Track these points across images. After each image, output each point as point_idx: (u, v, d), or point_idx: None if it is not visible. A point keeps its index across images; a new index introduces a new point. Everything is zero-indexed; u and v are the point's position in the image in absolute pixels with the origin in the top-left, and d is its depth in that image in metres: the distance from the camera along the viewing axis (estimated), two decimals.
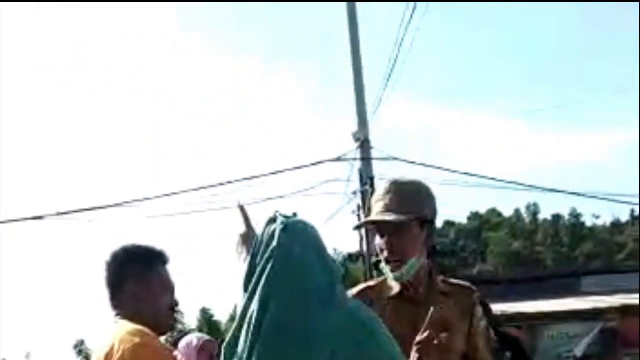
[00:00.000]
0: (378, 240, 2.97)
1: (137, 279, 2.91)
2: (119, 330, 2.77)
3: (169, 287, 2.98)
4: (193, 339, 4.30)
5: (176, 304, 3.00)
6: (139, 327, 2.77)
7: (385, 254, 2.93)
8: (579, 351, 12.52)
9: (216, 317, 61.06)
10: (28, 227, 12.45)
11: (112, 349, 2.70)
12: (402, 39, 11.22)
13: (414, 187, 3.03)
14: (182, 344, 4.26)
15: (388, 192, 2.98)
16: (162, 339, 3.12)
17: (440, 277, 3.05)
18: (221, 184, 12.12)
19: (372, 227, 3.10)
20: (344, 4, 12.59)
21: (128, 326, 2.78)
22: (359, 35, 12.46)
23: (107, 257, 2.98)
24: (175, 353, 3.87)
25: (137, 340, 2.69)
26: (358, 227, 3.38)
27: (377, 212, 2.97)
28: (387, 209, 2.94)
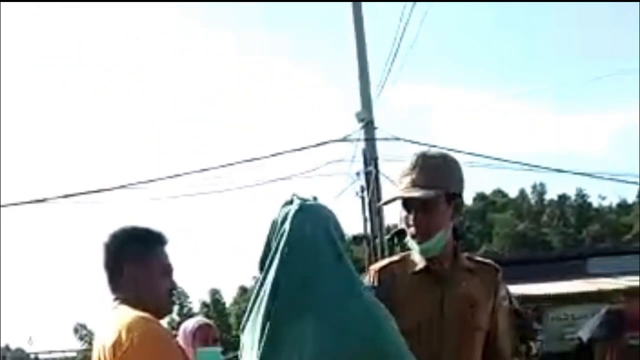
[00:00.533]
0: (403, 214, 2.92)
1: (136, 261, 2.85)
2: (123, 317, 2.71)
3: (168, 270, 2.92)
4: (189, 323, 4.24)
5: (175, 286, 2.94)
6: (143, 313, 2.72)
7: (412, 229, 2.88)
8: (584, 334, 12.46)
9: (223, 299, 61.14)
10: (31, 210, 12.39)
11: (119, 336, 2.64)
12: (408, 20, 11.10)
13: (441, 161, 2.96)
14: (180, 328, 4.21)
15: (415, 166, 2.92)
16: (165, 322, 3.11)
17: (465, 254, 3.01)
18: (223, 166, 12.06)
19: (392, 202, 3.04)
20: None
21: (132, 313, 2.73)
22: (362, 16, 12.37)
23: (104, 238, 2.92)
24: (177, 338, 3.82)
25: (144, 327, 2.65)
26: (386, 203, 3.35)
27: (404, 187, 2.91)
28: (414, 184, 2.89)
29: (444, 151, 3.13)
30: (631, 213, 54.45)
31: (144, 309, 2.75)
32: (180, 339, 4.06)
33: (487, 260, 3.06)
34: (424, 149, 3.13)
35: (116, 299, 2.84)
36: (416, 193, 2.85)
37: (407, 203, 2.90)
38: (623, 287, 13.44)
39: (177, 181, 12.17)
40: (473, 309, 2.87)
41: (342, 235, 2.50)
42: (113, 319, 2.74)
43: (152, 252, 2.90)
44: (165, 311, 2.93)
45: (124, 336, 2.62)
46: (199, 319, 4.37)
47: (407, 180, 2.91)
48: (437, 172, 2.90)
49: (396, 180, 3.01)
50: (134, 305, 2.77)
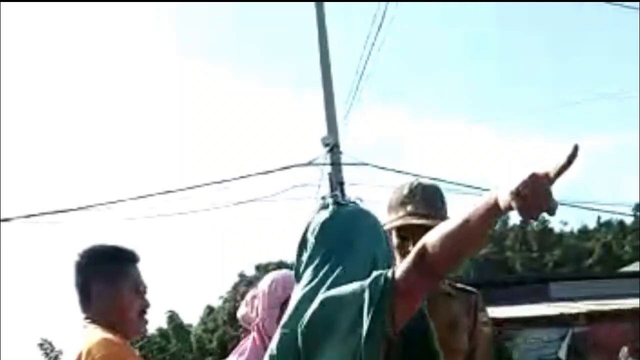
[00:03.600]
0: (396, 241, 2.96)
1: (105, 281, 2.78)
2: (88, 338, 2.66)
3: (138, 289, 2.84)
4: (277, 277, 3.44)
5: (146, 306, 2.86)
6: (108, 335, 2.65)
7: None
8: (561, 355, 12.60)
9: (186, 321, 60.86)
10: None
11: (79, 358, 2.60)
12: (372, 44, 11.22)
13: (437, 192, 3.05)
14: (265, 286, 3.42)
15: (414, 195, 2.99)
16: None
17: (446, 280, 3.01)
18: (190, 188, 12.05)
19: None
20: (313, 8, 12.57)
21: (96, 334, 2.66)
22: (327, 39, 12.45)
23: (74, 257, 2.85)
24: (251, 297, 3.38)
25: (103, 352, 2.58)
26: (392, 228, 3.33)
27: (405, 214, 2.97)
28: (415, 212, 2.96)
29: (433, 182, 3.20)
30: (592, 239, 55.10)
31: (112, 330, 2.70)
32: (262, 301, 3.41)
33: (468, 287, 3.10)
34: (413, 178, 3.19)
35: (86, 318, 2.79)
36: (423, 221, 2.91)
37: (403, 231, 2.96)
38: (584, 310, 13.61)
39: (139, 203, 12.13)
40: (451, 330, 2.89)
41: (376, 241, 2.38)
42: (79, 339, 2.71)
43: (122, 271, 2.83)
44: (136, 332, 2.87)
45: (83, 358, 2.59)
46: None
47: (409, 208, 2.97)
48: (435, 202, 2.99)
49: (391, 206, 3.05)
50: (103, 325, 2.72)
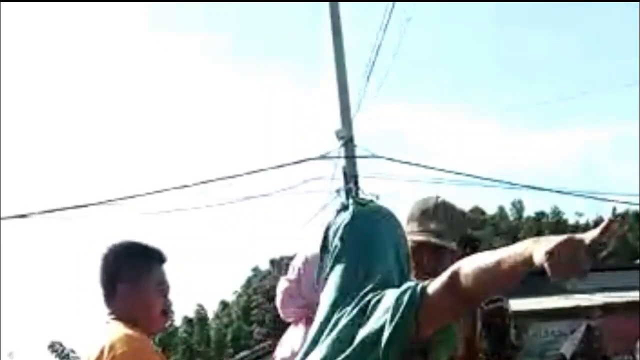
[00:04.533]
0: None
1: (130, 278, 2.82)
2: (110, 333, 2.71)
3: (162, 289, 2.88)
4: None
5: (169, 306, 2.91)
6: (130, 331, 2.71)
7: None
8: (566, 350, 12.55)
9: (207, 315, 60.91)
10: (12, 226, 12.29)
11: (102, 353, 2.65)
12: (384, 32, 11.19)
13: (462, 215, 3.14)
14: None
15: (438, 213, 3.05)
16: None
17: None
18: (203, 182, 12.04)
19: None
20: (327, 3, 12.53)
21: (120, 330, 2.72)
22: (342, 32, 12.41)
23: (101, 253, 2.89)
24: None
25: (125, 347, 2.64)
26: (421, 245, 3.36)
27: (429, 231, 3.02)
28: (439, 234, 3.01)
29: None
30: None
31: (135, 326, 2.74)
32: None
33: None
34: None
35: (110, 313, 2.83)
36: (443, 243, 2.99)
37: (419, 246, 2.99)
38: (600, 303, 13.55)
39: (155, 197, 12.13)
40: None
41: (397, 242, 2.41)
42: (102, 334, 2.74)
43: (147, 271, 2.86)
44: (157, 329, 2.92)
45: (105, 353, 2.63)
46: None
47: (432, 226, 3.02)
48: (457, 225, 3.05)
49: (413, 218, 3.08)
50: (126, 321, 2.75)
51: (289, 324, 3.42)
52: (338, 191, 12.36)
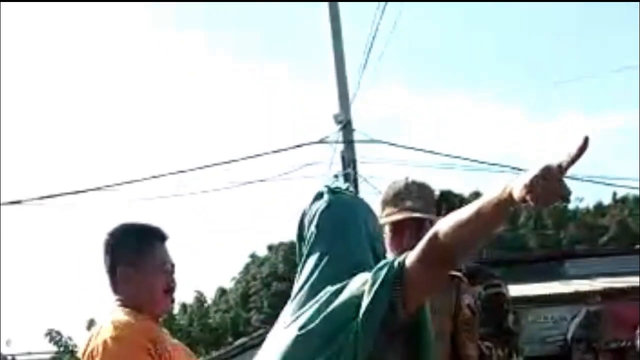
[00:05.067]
0: (389, 235, 3.07)
1: (128, 261, 2.78)
2: (109, 320, 2.69)
3: (162, 268, 2.81)
4: None
5: (172, 285, 2.83)
6: (124, 317, 2.68)
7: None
8: (569, 334, 12.54)
9: (206, 301, 61.22)
10: (5, 212, 12.23)
11: (90, 338, 2.66)
12: (381, 17, 11.10)
13: (432, 190, 3.20)
14: None
15: (411, 192, 3.11)
16: None
17: None
18: (200, 168, 11.99)
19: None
20: None
21: (115, 315, 2.70)
22: (339, 16, 12.33)
23: (103, 237, 2.85)
24: None
25: (111, 333, 2.61)
26: (392, 223, 3.42)
27: (406, 208, 3.08)
28: (414, 208, 3.08)
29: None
30: (607, 215, 54.92)
31: (138, 309, 2.72)
32: None
33: (452, 272, 3.13)
34: (407, 174, 3.36)
35: (116, 300, 2.80)
36: (421, 215, 3.06)
37: (399, 225, 3.08)
38: (600, 288, 13.52)
39: (152, 183, 12.08)
40: (435, 315, 2.93)
41: (372, 232, 2.43)
42: (103, 321, 2.74)
43: (146, 251, 2.80)
44: (161, 310, 2.84)
45: (92, 338, 2.64)
46: None
47: (407, 203, 3.08)
48: (431, 200, 3.13)
49: (387, 201, 3.16)
50: (131, 306, 2.73)
51: None
52: (336, 176, 12.30)
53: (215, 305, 59.29)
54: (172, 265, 2.85)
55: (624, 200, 55.89)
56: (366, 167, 12.03)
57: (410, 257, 2.13)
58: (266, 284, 58.07)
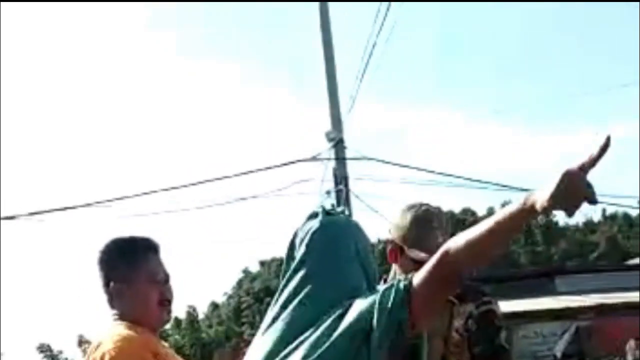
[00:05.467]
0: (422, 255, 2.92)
1: (119, 276, 2.74)
2: (106, 335, 2.67)
3: (154, 280, 2.76)
4: None
5: (167, 296, 2.78)
6: (123, 331, 2.65)
7: None
8: (557, 350, 12.59)
9: (198, 316, 61.10)
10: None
11: (89, 352, 2.65)
12: (377, 37, 11.19)
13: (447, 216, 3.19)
14: None
15: (440, 222, 3.06)
16: None
17: None
18: (193, 184, 12.03)
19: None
20: (317, 4, 12.53)
21: (114, 329, 2.68)
22: (331, 34, 12.42)
23: (96, 254, 2.81)
24: None
25: (111, 346, 2.58)
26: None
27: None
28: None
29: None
30: (597, 232, 55.07)
31: (135, 323, 2.69)
32: None
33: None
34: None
35: (113, 315, 2.77)
36: None
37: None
38: (590, 304, 13.58)
39: (146, 199, 12.11)
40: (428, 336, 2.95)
41: (364, 256, 2.38)
42: (102, 336, 2.71)
43: (136, 264, 2.76)
44: (157, 323, 2.80)
45: (97, 354, 2.61)
46: None
47: (440, 240, 2.95)
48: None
49: (412, 232, 3.03)
50: (129, 320, 2.70)
51: None
52: (328, 192, 12.36)
53: (208, 319, 59.15)
54: (167, 276, 2.81)
55: (614, 217, 56.05)
56: (358, 183, 12.11)
57: (418, 278, 2.09)
58: (258, 298, 57.86)
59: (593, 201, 1.89)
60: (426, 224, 3.04)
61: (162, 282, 2.79)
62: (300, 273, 2.31)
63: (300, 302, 2.26)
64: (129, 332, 2.66)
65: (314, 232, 2.34)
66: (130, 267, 2.75)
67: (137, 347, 2.66)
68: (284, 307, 2.29)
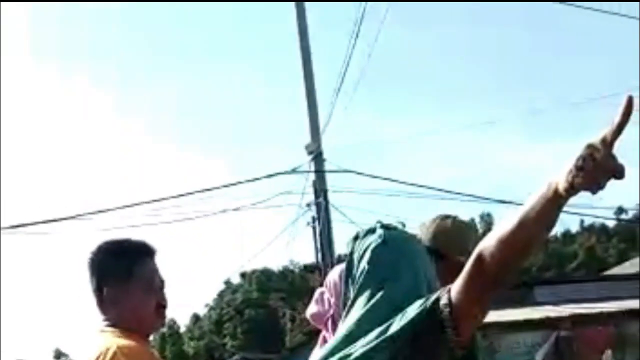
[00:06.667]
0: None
1: (114, 281, 2.63)
2: (101, 344, 2.55)
3: (152, 286, 2.67)
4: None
5: (163, 302, 2.70)
6: (124, 341, 2.54)
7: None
8: (539, 359, 12.65)
9: (179, 328, 60.72)
10: None
11: None
12: (352, 49, 11.27)
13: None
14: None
15: (475, 234, 3.13)
16: None
17: None
18: (174, 197, 12.05)
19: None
20: (294, 16, 12.61)
21: (113, 340, 2.55)
22: (309, 47, 12.51)
23: (87, 256, 2.69)
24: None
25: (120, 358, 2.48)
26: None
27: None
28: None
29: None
30: (575, 242, 55.37)
31: (128, 329, 2.59)
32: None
33: None
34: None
35: (104, 320, 2.66)
36: None
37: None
38: (569, 314, 13.66)
39: (127, 212, 12.11)
40: None
41: (429, 273, 2.27)
42: (94, 344, 2.59)
43: (132, 268, 2.65)
44: (151, 329, 2.73)
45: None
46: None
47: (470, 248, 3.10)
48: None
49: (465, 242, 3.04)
50: (122, 327, 2.60)
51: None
52: (308, 205, 12.41)
53: (190, 332, 58.87)
54: (162, 281, 2.72)
55: (591, 228, 56.41)
56: (337, 196, 12.17)
57: (456, 287, 1.97)
58: (239, 310, 57.70)
59: (621, 175, 1.65)
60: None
61: (158, 288, 2.71)
62: (365, 293, 2.18)
63: (369, 310, 2.15)
64: (129, 341, 2.55)
65: (376, 248, 2.23)
66: (128, 272, 2.65)
67: (143, 356, 2.59)
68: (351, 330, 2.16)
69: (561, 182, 1.70)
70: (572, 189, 1.69)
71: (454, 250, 2.97)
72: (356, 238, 2.30)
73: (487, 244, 1.89)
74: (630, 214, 45.65)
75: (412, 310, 2.03)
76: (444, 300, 1.98)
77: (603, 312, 13.42)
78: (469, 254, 2.74)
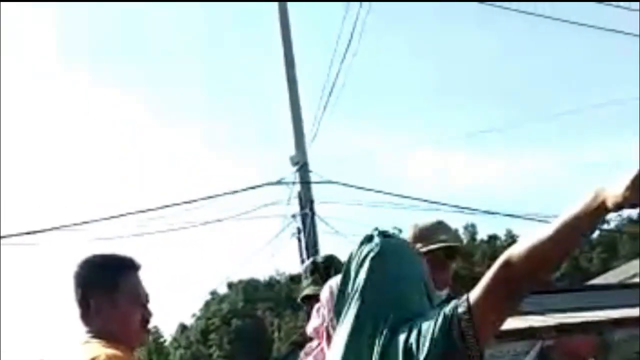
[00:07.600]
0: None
1: (102, 293, 2.69)
2: (89, 354, 2.56)
3: (138, 299, 2.74)
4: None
5: (148, 316, 2.76)
6: (112, 351, 2.56)
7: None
8: None
9: (163, 337, 60.46)
10: None
11: None
12: (342, 61, 11.33)
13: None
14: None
15: (444, 227, 3.36)
16: None
17: None
18: (160, 208, 12.06)
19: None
20: (278, 25, 12.66)
21: (100, 350, 2.57)
22: (294, 57, 12.54)
23: (72, 271, 2.75)
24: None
25: None
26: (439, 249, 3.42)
27: (444, 240, 3.31)
28: (454, 239, 3.39)
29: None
30: None
31: (116, 342, 2.62)
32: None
33: None
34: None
35: (88, 332, 2.70)
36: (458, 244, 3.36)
37: (444, 257, 3.31)
38: (553, 323, 13.74)
39: (112, 223, 12.10)
40: None
41: (427, 279, 2.29)
42: (78, 355, 2.61)
43: (119, 281, 2.70)
44: (136, 342, 2.76)
45: None
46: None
47: (442, 237, 3.31)
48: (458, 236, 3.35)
49: (421, 237, 3.34)
50: (107, 338, 2.63)
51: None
52: (294, 216, 12.45)
53: (176, 341, 58.70)
54: (147, 296, 2.77)
55: None
56: (323, 207, 12.22)
57: (477, 292, 1.98)
58: (226, 321, 57.56)
59: None
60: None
61: (144, 302, 2.76)
62: (360, 298, 2.20)
63: (356, 327, 2.16)
64: (116, 351, 2.58)
65: (375, 256, 2.25)
66: (113, 284, 2.69)
67: None
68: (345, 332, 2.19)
69: (613, 195, 1.74)
70: (619, 207, 1.74)
71: (433, 241, 3.27)
72: (364, 241, 2.32)
73: (516, 250, 1.91)
74: (612, 224, 45.89)
75: (429, 328, 2.01)
76: (462, 309, 1.98)
77: (587, 321, 13.51)
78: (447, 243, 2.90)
